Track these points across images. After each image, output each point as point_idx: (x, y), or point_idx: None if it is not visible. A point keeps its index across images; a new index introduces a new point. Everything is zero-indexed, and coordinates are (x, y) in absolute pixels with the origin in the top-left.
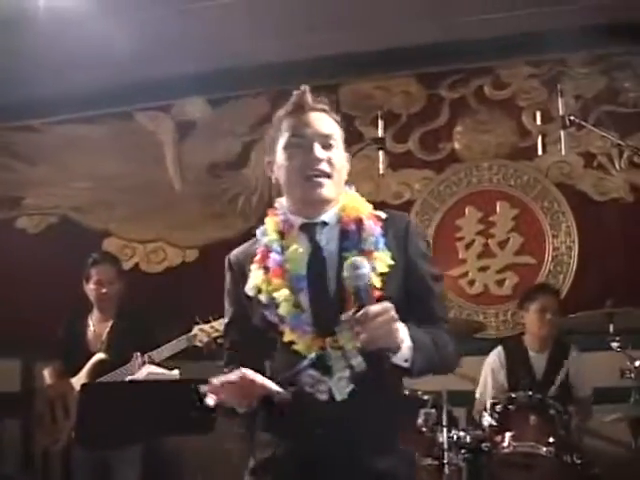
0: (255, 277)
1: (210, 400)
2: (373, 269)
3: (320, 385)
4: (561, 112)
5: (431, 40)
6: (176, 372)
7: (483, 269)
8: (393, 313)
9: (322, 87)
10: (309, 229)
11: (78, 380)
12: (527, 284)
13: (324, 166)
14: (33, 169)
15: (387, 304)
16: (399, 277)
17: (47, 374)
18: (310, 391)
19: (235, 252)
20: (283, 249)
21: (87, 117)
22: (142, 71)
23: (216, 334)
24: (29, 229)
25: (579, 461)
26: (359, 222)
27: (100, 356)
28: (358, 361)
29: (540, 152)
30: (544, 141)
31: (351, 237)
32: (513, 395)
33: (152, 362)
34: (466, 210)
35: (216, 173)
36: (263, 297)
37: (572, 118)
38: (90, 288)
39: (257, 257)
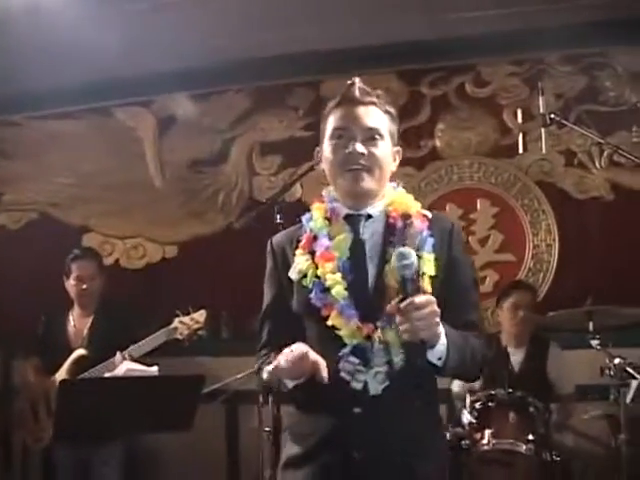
0: (300, 261)
1: (265, 374)
2: (419, 270)
3: (358, 374)
4: (542, 110)
5: (413, 37)
6: (155, 368)
7: None
8: (436, 306)
9: (304, 83)
10: (353, 220)
11: (59, 376)
12: (507, 282)
13: (364, 160)
14: (12, 165)
15: (431, 297)
16: (440, 279)
17: (26, 372)
18: (347, 378)
19: (277, 236)
20: (330, 236)
21: (67, 112)
22: (123, 67)
23: (197, 326)
24: (9, 225)
25: (558, 459)
26: (406, 218)
27: (81, 352)
28: (399, 358)
29: (521, 150)
30: (525, 139)
31: (397, 233)
32: (493, 392)
33: (132, 358)
34: (447, 207)
35: (196, 169)
36: (309, 281)
37: (552, 116)
38: (70, 284)
39: (302, 242)
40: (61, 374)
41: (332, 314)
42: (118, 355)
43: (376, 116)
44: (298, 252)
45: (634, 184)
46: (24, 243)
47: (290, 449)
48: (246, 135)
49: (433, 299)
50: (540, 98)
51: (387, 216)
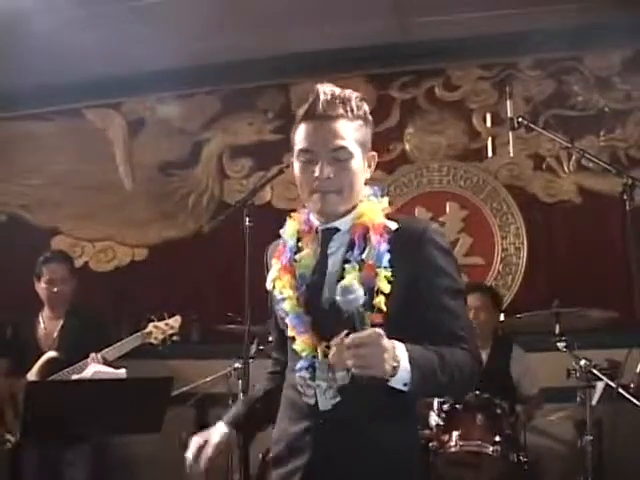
0: (272, 271)
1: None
2: (374, 288)
3: (307, 389)
4: (509, 114)
5: (382, 41)
6: (123, 371)
7: None
8: (382, 341)
9: (274, 86)
10: (324, 233)
11: (29, 378)
12: None
13: (331, 184)
14: None
15: (376, 331)
16: (402, 294)
17: None
18: (300, 391)
19: (272, 245)
20: (298, 248)
21: (38, 114)
22: (93, 68)
23: (171, 331)
24: None
25: (525, 460)
26: (367, 232)
27: (51, 354)
28: (342, 375)
29: (490, 154)
30: (494, 143)
31: (356, 248)
32: (449, 390)
33: (106, 361)
34: (416, 210)
35: (167, 172)
36: (276, 292)
37: (520, 120)
38: (41, 287)
39: (277, 252)
40: (31, 376)
41: (288, 326)
42: (92, 356)
43: (343, 131)
44: (274, 261)
45: (601, 188)
46: None
47: (273, 447)
48: (217, 138)
49: (378, 333)
50: (508, 102)
51: (351, 230)
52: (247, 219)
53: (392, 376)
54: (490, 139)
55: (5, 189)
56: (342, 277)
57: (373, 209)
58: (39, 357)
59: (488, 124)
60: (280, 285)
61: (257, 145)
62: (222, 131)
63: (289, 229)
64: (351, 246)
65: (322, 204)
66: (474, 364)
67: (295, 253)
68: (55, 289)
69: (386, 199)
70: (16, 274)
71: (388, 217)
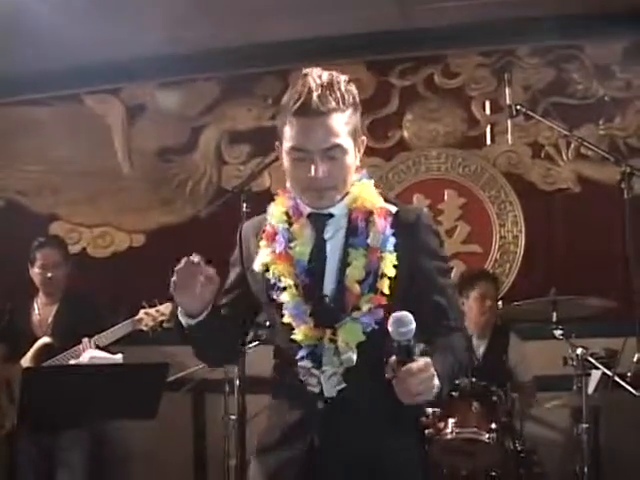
0: (263, 255)
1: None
2: (380, 271)
3: (311, 378)
4: (508, 101)
5: (382, 27)
6: (119, 356)
7: None
8: (433, 369)
9: (273, 72)
10: (316, 219)
11: (23, 364)
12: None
13: (327, 182)
14: None
15: (428, 360)
16: (405, 277)
17: None
18: (303, 380)
19: (247, 223)
20: (290, 234)
21: (36, 99)
22: (92, 54)
23: (162, 318)
24: None
25: (521, 447)
26: (368, 217)
27: (45, 340)
28: (347, 356)
29: (489, 141)
30: (493, 131)
31: (359, 233)
32: (456, 382)
33: (98, 346)
34: (414, 198)
35: (165, 158)
36: (271, 277)
37: (519, 107)
38: (35, 272)
39: (264, 233)
40: (25, 362)
41: (286, 315)
42: (84, 342)
43: (337, 126)
44: (262, 243)
45: (600, 176)
46: None
47: (263, 437)
48: (215, 124)
49: (430, 362)
50: (507, 89)
51: (350, 214)
52: (244, 205)
53: None
54: (489, 127)
55: (3, 175)
56: (346, 262)
57: (370, 193)
58: (33, 343)
59: (487, 112)
60: (277, 272)
61: (256, 131)
62: (221, 117)
63: (277, 213)
64: (352, 231)
65: (318, 200)
66: (468, 345)
67: (288, 239)
68: (49, 274)
69: (372, 181)
70: (14, 260)
71: (386, 200)
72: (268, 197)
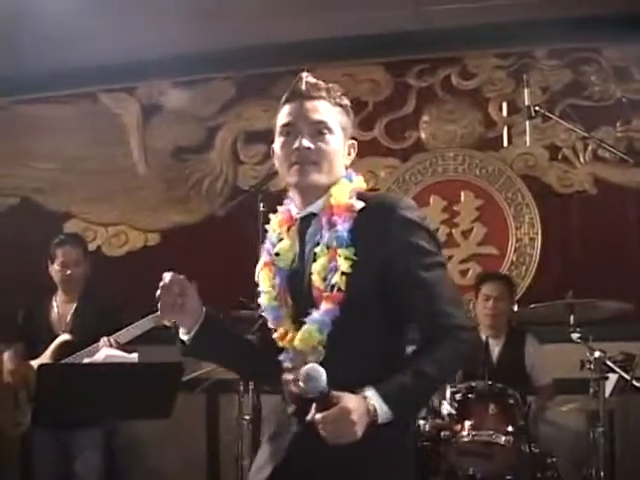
0: (258, 265)
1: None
2: (336, 268)
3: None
4: (527, 102)
5: (400, 28)
6: (135, 355)
7: (446, 259)
8: (350, 416)
9: (289, 73)
10: (302, 221)
11: (41, 361)
12: None
13: (311, 154)
14: None
15: (345, 407)
16: (372, 273)
17: (7, 358)
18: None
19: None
20: (277, 241)
21: (51, 97)
22: (108, 52)
23: None
24: None
25: (537, 450)
26: (332, 214)
27: (65, 337)
28: (313, 362)
29: (506, 143)
30: (510, 133)
31: (323, 232)
32: (473, 384)
33: (118, 344)
34: (430, 199)
35: (180, 157)
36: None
37: (537, 108)
38: (55, 269)
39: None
40: (44, 359)
41: (268, 319)
42: (104, 339)
43: (324, 110)
44: (261, 255)
45: (617, 179)
46: (5, 228)
47: (265, 432)
48: (231, 123)
49: (345, 409)
50: (525, 90)
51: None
52: (261, 204)
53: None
54: (506, 128)
55: (18, 172)
56: (314, 261)
57: (340, 190)
58: (52, 340)
59: (504, 113)
60: (260, 279)
61: (272, 131)
62: (236, 117)
63: (273, 223)
64: (321, 230)
65: (299, 177)
66: (460, 342)
67: (274, 246)
68: (68, 271)
69: (360, 178)
70: (29, 257)
71: (358, 196)
72: (285, 197)
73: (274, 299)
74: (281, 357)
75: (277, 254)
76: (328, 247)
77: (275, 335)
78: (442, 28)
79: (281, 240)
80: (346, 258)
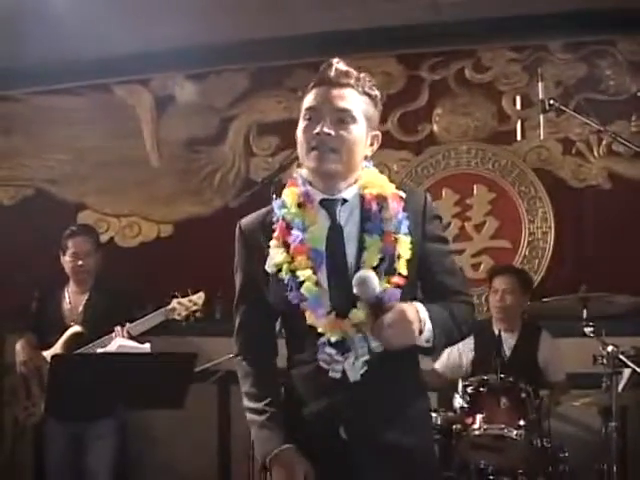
0: (275, 254)
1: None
2: (394, 254)
3: (336, 364)
4: (541, 95)
5: (413, 21)
6: (147, 345)
7: (459, 252)
8: (407, 316)
9: (303, 65)
10: (329, 205)
11: (53, 352)
12: None
13: (331, 141)
14: (9, 140)
15: (400, 308)
16: (416, 259)
17: (19, 348)
18: (325, 368)
19: (246, 221)
20: (304, 224)
21: (66, 89)
22: (123, 44)
23: (195, 307)
24: (4, 201)
25: (549, 445)
26: (381, 202)
27: (76, 329)
28: (378, 344)
29: (519, 137)
30: (523, 126)
31: (373, 218)
32: (485, 377)
33: (130, 336)
34: (443, 192)
35: (193, 149)
36: (285, 275)
37: (552, 102)
38: (66, 260)
39: (276, 232)
40: (56, 350)
41: (307, 312)
42: (117, 330)
43: (350, 98)
44: (272, 243)
45: (631, 173)
46: (19, 219)
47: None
48: (244, 115)
49: (402, 310)
50: (539, 84)
51: (362, 200)
52: (274, 197)
53: (419, 333)
54: (519, 122)
55: (32, 163)
56: (363, 248)
57: (379, 178)
58: (64, 331)
59: (518, 107)
60: (293, 267)
61: (285, 123)
62: (250, 109)
63: (290, 204)
64: (366, 217)
65: (319, 162)
66: (470, 318)
67: (303, 230)
68: (80, 262)
69: (375, 170)
70: (42, 248)
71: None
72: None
73: (316, 285)
74: (321, 341)
75: (306, 238)
76: (381, 234)
77: (319, 325)
78: (456, 21)
79: (305, 223)
80: (406, 244)
